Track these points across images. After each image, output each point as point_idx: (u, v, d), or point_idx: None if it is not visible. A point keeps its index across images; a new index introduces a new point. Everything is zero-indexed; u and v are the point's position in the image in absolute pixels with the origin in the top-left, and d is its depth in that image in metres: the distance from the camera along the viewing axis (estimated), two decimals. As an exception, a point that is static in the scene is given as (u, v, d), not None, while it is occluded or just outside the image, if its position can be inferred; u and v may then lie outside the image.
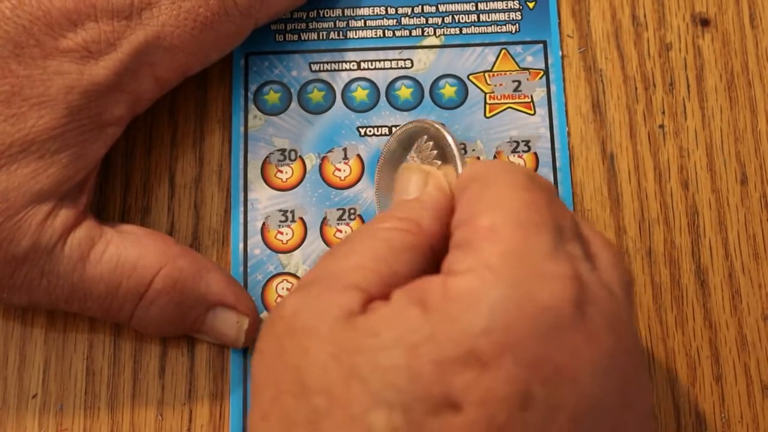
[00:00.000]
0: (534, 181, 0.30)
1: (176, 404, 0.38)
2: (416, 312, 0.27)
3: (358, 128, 0.40)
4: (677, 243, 0.39)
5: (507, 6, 0.42)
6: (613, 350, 0.27)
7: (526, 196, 0.29)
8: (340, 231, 0.39)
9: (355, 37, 0.41)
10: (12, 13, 0.33)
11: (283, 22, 0.41)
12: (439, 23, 0.41)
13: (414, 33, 0.41)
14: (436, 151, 0.34)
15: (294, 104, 0.41)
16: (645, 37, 0.41)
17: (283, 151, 0.40)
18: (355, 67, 0.41)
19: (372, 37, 0.41)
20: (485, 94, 0.41)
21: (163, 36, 0.35)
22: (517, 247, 0.27)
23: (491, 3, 0.42)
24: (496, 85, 0.41)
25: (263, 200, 0.40)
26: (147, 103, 0.37)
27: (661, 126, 0.40)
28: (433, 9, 0.42)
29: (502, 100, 0.41)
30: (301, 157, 0.40)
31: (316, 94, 0.41)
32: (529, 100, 0.41)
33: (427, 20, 0.41)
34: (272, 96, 0.41)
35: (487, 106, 0.40)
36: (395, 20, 0.41)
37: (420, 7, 0.42)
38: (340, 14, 0.42)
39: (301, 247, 0.39)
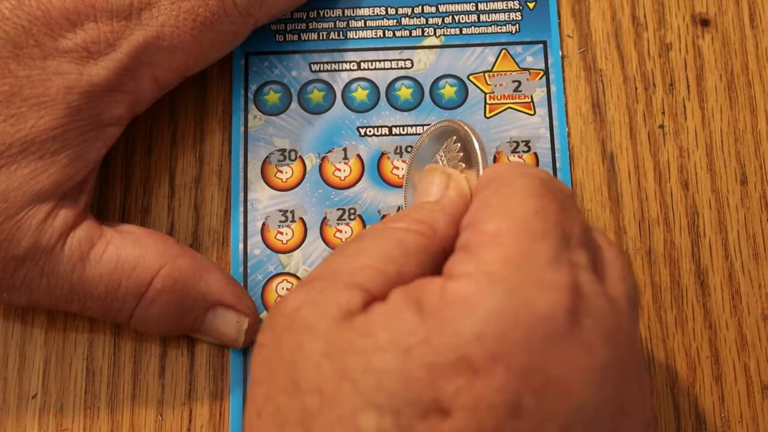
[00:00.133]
0: (547, 187, 0.29)
1: (176, 404, 0.38)
2: (412, 314, 0.27)
3: (358, 128, 0.40)
4: (677, 243, 0.39)
5: (507, 6, 0.42)
6: (609, 361, 0.27)
7: (535, 203, 0.29)
8: (340, 231, 0.39)
9: (355, 37, 0.41)
10: (11, 14, 0.33)
11: (283, 22, 0.41)
12: (439, 23, 0.41)
13: (414, 33, 0.41)
14: (462, 153, 0.34)
15: (294, 104, 0.41)
16: (645, 37, 0.41)
17: (283, 151, 0.40)
18: (355, 67, 0.41)
19: (372, 38, 0.41)
20: (485, 94, 0.41)
21: (162, 36, 0.35)
22: (518, 255, 0.27)
23: (491, 3, 0.42)
24: (496, 86, 0.41)
25: (263, 200, 0.40)
26: (147, 104, 0.37)
27: (661, 126, 0.40)
28: (433, 9, 0.42)
29: (502, 101, 0.41)
30: (301, 157, 0.40)
31: (316, 94, 0.41)
32: (529, 100, 0.41)
33: (427, 20, 0.41)
34: (272, 96, 0.41)
35: (487, 107, 0.40)
36: (395, 20, 0.41)
37: (420, 7, 0.42)
38: (340, 14, 0.42)
39: (301, 247, 0.39)
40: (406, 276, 0.29)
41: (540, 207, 0.29)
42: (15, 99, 0.33)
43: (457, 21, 0.41)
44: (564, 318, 0.27)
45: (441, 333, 0.26)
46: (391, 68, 0.41)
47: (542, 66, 0.41)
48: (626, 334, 0.29)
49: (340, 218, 0.39)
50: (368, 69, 0.41)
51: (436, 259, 0.30)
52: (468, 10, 0.42)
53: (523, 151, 0.40)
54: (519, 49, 0.41)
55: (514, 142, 0.40)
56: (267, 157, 0.40)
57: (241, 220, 0.39)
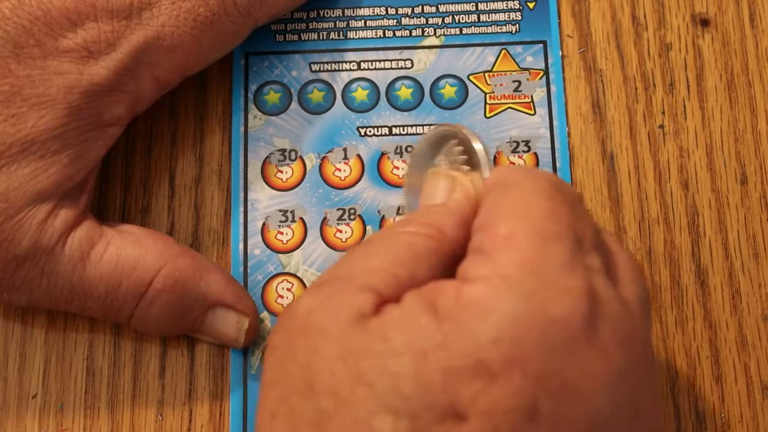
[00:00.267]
0: (557, 190, 0.29)
1: (176, 404, 0.38)
2: (427, 318, 0.27)
3: (358, 128, 0.40)
4: (677, 243, 0.39)
5: (507, 6, 0.42)
6: (624, 365, 0.27)
7: (547, 205, 0.29)
8: (340, 231, 0.39)
9: (355, 37, 0.41)
10: (12, 13, 0.33)
11: (283, 22, 0.41)
12: (439, 23, 0.41)
13: (414, 33, 0.41)
14: (464, 157, 0.34)
15: (294, 104, 0.41)
16: (645, 37, 0.41)
17: (283, 151, 0.40)
18: (355, 67, 0.41)
19: (372, 38, 0.41)
20: (485, 94, 0.41)
21: (162, 36, 0.35)
22: (532, 258, 0.27)
23: (491, 3, 0.42)
24: (496, 86, 0.41)
25: (263, 200, 0.40)
26: (147, 103, 0.37)
27: (661, 126, 0.40)
28: (433, 9, 0.42)
29: (502, 100, 0.41)
30: (301, 157, 0.40)
31: (316, 94, 0.41)
32: (529, 100, 0.41)
33: (427, 20, 0.41)
34: (272, 96, 0.41)
35: (487, 107, 0.40)
36: (395, 20, 0.41)
37: (420, 7, 0.42)
38: (340, 14, 0.42)
39: (301, 247, 0.39)
40: (417, 279, 0.29)
41: (552, 209, 0.28)
42: (15, 99, 0.33)
43: (457, 21, 0.41)
44: (580, 322, 0.26)
45: (457, 337, 0.26)
46: (391, 68, 0.41)
47: (542, 66, 0.41)
48: (640, 337, 0.28)
49: (340, 218, 0.39)
50: (368, 69, 0.41)
51: (446, 262, 0.30)
52: (468, 10, 0.42)
53: (523, 151, 0.40)
54: (519, 49, 0.41)
55: (514, 142, 0.40)
56: (267, 157, 0.40)
57: (241, 220, 0.39)
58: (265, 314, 0.38)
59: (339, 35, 0.41)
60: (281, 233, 0.39)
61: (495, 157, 0.40)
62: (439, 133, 0.35)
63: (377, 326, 0.27)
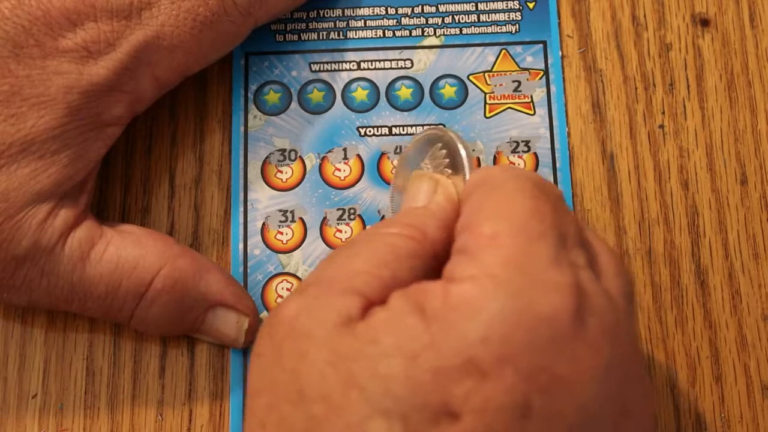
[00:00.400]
0: (539, 188, 0.30)
1: (176, 404, 0.38)
2: (415, 319, 0.27)
3: (358, 128, 0.40)
4: (677, 243, 0.39)
5: (507, 6, 0.42)
6: (611, 359, 0.27)
7: (530, 204, 0.29)
8: (340, 231, 0.39)
9: (355, 37, 0.41)
10: (11, 13, 0.33)
11: (283, 22, 0.41)
12: (439, 23, 0.41)
13: (414, 33, 0.41)
14: (447, 160, 0.34)
15: (294, 104, 0.41)
16: (645, 37, 0.41)
17: (283, 151, 0.40)
18: (355, 67, 0.41)
19: (372, 37, 0.41)
20: (485, 94, 0.41)
21: (162, 36, 0.35)
22: (518, 256, 0.27)
23: (491, 3, 0.42)
24: (496, 85, 0.41)
25: (263, 200, 0.40)
26: (147, 103, 0.37)
27: (661, 126, 0.40)
28: (433, 9, 0.42)
29: (502, 101, 0.41)
30: (301, 157, 0.40)
31: (316, 94, 0.41)
32: (529, 100, 0.41)
33: (427, 20, 0.41)
34: (272, 96, 0.41)
35: (487, 107, 0.40)
36: (395, 20, 0.41)
37: (420, 7, 0.42)
38: (340, 14, 0.42)
39: (301, 247, 0.39)
40: (400, 280, 0.29)
41: (535, 208, 0.29)
42: (15, 99, 0.33)
43: (457, 21, 0.41)
44: (568, 318, 0.27)
45: (446, 337, 0.26)
46: (391, 68, 0.41)
47: (542, 66, 0.41)
48: (625, 330, 0.29)
49: (340, 218, 0.39)
50: (368, 69, 0.41)
51: (427, 264, 0.30)
52: (468, 10, 0.42)
53: (523, 151, 0.40)
54: (519, 49, 0.41)
55: (514, 142, 0.40)
56: (267, 157, 0.40)
57: (241, 220, 0.39)
58: (264, 314, 0.38)
59: (339, 35, 0.41)
60: (281, 233, 0.39)
61: (495, 158, 0.40)
62: (426, 137, 0.36)
63: (365, 329, 0.27)
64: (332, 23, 0.41)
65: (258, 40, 0.41)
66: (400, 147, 0.40)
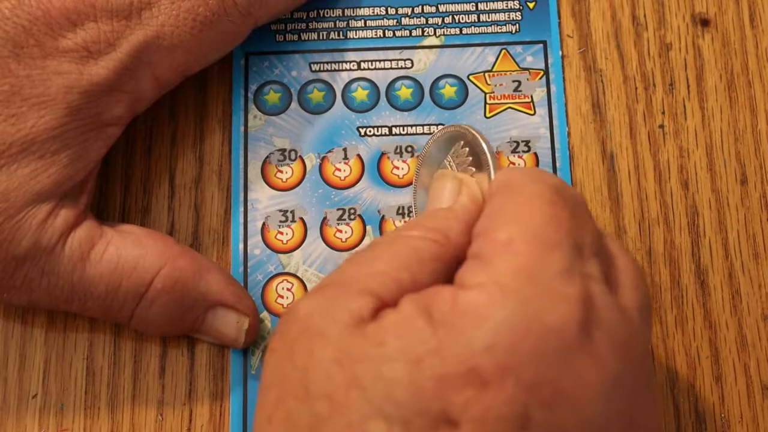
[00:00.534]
0: (559, 194, 0.29)
1: (176, 404, 0.38)
2: (422, 323, 0.27)
3: (358, 128, 0.40)
4: (677, 243, 0.39)
5: (507, 6, 0.42)
6: (619, 374, 0.27)
7: (548, 210, 0.28)
8: (340, 231, 0.39)
9: (355, 37, 0.41)
10: (11, 13, 0.33)
11: (283, 22, 0.41)
12: (439, 23, 0.41)
13: (414, 33, 0.41)
14: (471, 158, 0.34)
15: (294, 104, 0.41)
16: (645, 37, 0.41)
17: (283, 151, 0.40)
18: (355, 67, 0.41)
19: (372, 37, 0.41)
20: (485, 94, 0.41)
21: (162, 36, 0.35)
22: (530, 265, 0.27)
23: (491, 3, 0.42)
24: (496, 85, 0.41)
25: (263, 200, 0.40)
26: (147, 103, 0.37)
27: (661, 126, 0.40)
28: (433, 9, 0.42)
29: (502, 100, 0.41)
30: (301, 157, 0.40)
31: (316, 94, 0.41)
32: (529, 100, 0.41)
33: (427, 20, 0.41)
34: (272, 96, 0.41)
35: (487, 106, 0.40)
36: (395, 20, 0.41)
37: (420, 7, 0.42)
38: (340, 14, 0.42)
39: (301, 247, 0.39)
40: (420, 284, 0.29)
41: (552, 214, 0.28)
42: (15, 99, 0.33)
43: (457, 21, 0.41)
44: (575, 330, 0.26)
45: (451, 344, 0.26)
46: (391, 68, 0.41)
47: (542, 66, 0.41)
48: (637, 345, 0.28)
49: (340, 218, 0.39)
50: (368, 69, 0.41)
51: (450, 267, 0.30)
52: (468, 10, 0.42)
53: (523, 151, 0.40)
54: (519, 49, 0.41)
55: (514, 142, 0.40)
56: (267, 157, 0.40)
57: (241, 220, 0.39)
58: (265, 314, 0.38)
59: (339, 35, 0.41)
60: (281, 233, 0.39)
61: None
62: (448, 134, 0.35)
63: (374, 331, 0.27)
64: (332, 23, 0.41)
65: (258, 40, 0.41)
66: (401, 147, 0.40)
